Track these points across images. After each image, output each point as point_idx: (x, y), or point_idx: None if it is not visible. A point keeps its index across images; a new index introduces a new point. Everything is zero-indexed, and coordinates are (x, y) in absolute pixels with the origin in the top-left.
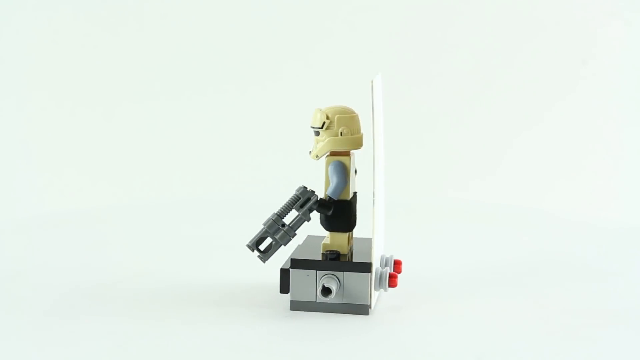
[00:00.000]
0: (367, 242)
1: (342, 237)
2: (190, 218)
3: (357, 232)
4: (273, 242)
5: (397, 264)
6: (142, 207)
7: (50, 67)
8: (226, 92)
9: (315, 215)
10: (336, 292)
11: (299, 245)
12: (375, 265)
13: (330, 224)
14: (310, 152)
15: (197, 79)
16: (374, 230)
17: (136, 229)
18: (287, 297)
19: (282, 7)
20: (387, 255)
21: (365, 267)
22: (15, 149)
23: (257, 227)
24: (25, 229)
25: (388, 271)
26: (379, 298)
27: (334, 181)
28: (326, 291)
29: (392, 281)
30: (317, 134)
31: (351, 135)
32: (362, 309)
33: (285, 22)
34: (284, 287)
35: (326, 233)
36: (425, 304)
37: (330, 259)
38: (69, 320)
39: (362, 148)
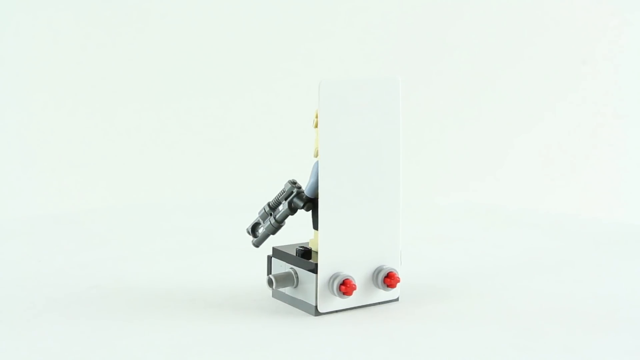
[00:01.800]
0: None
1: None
2: (189, 218)
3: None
4: (263, 230)
5: (390, 277)
6: (140, 208)
7: (51, 68)
8: (226, 93)
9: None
10: (293, 286)
11: None
12: (335, 270)
13: (313, 222)
14: None
15: (196, 80)
16: (318, 235)
17: (134, 230)
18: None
19: (285, 8)
20: (387, 266)
21: (312, 268)
22: (15, 149)
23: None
24: (24, 229)
25: (343, 278)
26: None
27: (309, 180)
28: (269, 282)
29: (342, 288)
30: None
31: None
32: (309, 309)
33: (287, 23)
34: (270, 273)
35: None
36: (421, 304)
37: (298, 255)
38: (65, 320)
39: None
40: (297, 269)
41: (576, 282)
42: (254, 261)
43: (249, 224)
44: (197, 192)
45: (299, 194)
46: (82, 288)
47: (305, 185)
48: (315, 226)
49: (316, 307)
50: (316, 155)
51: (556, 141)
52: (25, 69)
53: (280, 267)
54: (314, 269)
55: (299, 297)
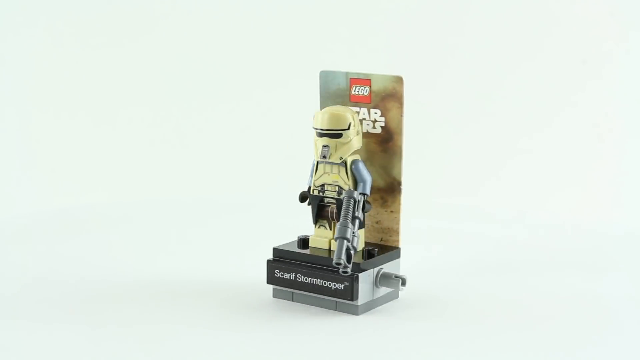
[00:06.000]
0: None
1: (362, 232)
2: (189, 218)
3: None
4: (352, 251)
5: None
6: (141, 207)
7: (52, 68)
8: (226, 93)
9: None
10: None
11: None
12: None
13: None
14: (324, 156)
15: (197, 80)
16: (400, 225)
17: (135, 229)
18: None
19: (288, 6)
20: None
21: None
22: (15, 150)
23: (254, 227)
24: (24, 228)
25: None
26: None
27: (367, 179)
28: (404, 281)
29: None
30: (339, 135)
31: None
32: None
33: (289, 22)
34: (355, 295)
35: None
36: (420, 304)
37: (371, 255)
38: (66, 319)
39: None
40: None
41: (577, 285)
42: (255, 259)
43: (339, 254)
44: (198, 191)
45: (364, 200)
46: (83, 286)
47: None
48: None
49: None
50: (340, 159)
51: (558, 143)
52: (26, 69)
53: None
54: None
55: (383, 294)
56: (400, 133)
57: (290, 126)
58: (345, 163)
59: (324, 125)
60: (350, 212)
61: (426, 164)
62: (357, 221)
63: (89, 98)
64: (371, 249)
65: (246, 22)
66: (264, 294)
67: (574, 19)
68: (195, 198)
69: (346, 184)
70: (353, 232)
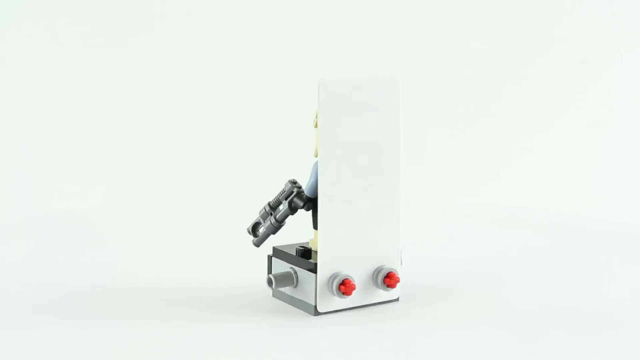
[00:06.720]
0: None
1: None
2: (189, 218)
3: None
4: (264, 230)
5: (389, 277)
6: (140, 208)
7: (52, 70)
8: (225, 93)
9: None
10: (293, 286)
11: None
12: (334, 270)
13: (313, 221)
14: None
15: (196, 80)
16: (318, 235)
17: (134, 230)
18: None
19: (288, 6)
20: (386, 266)
21: (312, 267)
22: (15, 150)
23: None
24: (24, 229)
25: (342, 278)
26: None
27: (309, 179)
28: (268, 281)
29: (341, 288)
30: None
31: None
32: (309, 308)
33: (289, 22)
34: (270, 272)
35: None
36: (422, 304)
37: (297, 254)
38: (65, 320)
39: None
40: (297, 269)
41: (578, 283)
42: (254, 261)
43: (249, 223)
44: (197, 192)
45: (299, 194)
46: (82, 288)
47: (305, 185)
48: (315, 226)
49: (315, 307)
50: (316, 155)
51: (559, 142)
52: (26, 70)
53: (281, 266)
54: (314, 269)
55: (299, 296)
56: None
57: (290, 126)
58: None
59: None
60: (277, 197)
61: (428, 164)
62: (281, 209)
63: (89, 99)
64: (305, 247)
65: (246, 24)
66: (264, 293)
67: (575, 19)
68: (194, 199)
69: None
70: (270, 215)
